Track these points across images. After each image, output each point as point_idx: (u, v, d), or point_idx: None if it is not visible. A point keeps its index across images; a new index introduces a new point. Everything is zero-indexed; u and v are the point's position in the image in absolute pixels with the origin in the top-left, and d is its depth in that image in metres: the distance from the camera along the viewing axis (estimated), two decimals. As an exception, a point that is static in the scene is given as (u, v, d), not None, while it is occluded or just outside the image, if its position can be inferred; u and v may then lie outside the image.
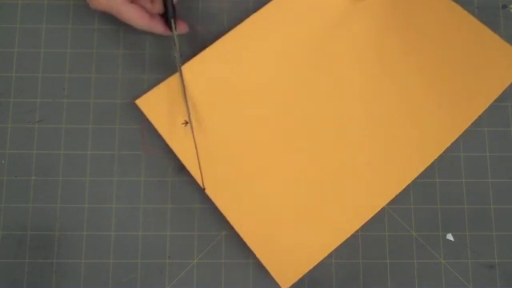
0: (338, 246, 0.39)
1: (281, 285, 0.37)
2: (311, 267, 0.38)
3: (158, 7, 0.40)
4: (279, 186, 0.39)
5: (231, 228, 0.40)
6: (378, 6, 0.42)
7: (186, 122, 0.39)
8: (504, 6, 0.44)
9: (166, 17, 0.40)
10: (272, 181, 0.39)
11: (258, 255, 0.38)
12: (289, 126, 0.40)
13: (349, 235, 0.38)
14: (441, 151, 0.40)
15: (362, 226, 0.40)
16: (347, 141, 0.40)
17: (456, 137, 0.40)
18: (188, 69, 0.40)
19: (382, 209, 0.40)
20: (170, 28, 0.40)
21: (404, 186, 0.39)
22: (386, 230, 0.40)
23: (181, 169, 0.41)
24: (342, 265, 0.40)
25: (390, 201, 0.39)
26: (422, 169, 0.39)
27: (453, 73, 0.41)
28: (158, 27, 0.40)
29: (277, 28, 0.41)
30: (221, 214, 0.40)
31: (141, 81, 0.42)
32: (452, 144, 0.41)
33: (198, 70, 0.40)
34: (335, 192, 0.39)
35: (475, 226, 0.40)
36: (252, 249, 0.38)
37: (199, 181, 0.39)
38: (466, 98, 0.40)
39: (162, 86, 0.40)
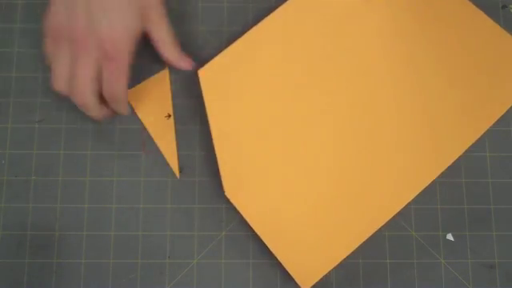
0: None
1: (301, 286, 0.37)
2: (333, 266, 0.37)
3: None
4: (299, 185, 0.38)
5: (231, 228, 0.40)
6: (396, 5, 0.41)
7: (169, 115, 0.41)
8: (504, 6, 0.44)
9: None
10: (292, 179, 0.38)
11: (277, 255, 0.37)
12: (309, 125, 0.39)
13: (371, 233, 0.38)
14: (464, 149, 0.39)
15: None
16: (369, 140, 0.39)
17: (478, 136, 0.39)
18: (204, 73, 0.39)
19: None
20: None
21: (426, 185, 0.38)
22: (386, 230, 0.40)
23: (181, 169, 0.41)
24: (342, 265, 0.40)
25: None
26: (444, 167, 0.39)
27: (471, 75, 0.40)
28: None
29: (293, 29, 0.40)
30: (221, 214, 0.40)
31: (141, 80, 0.42)
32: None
33: (214, 74, 0.39)
34: (356, 190, 0.38)
35: (475, 226, 0.40)
36: (271, 249, 0.37)
37: (176, 170, 0.40)
38: (485, 100, 0.40)
39: (151, 79, 0.41)
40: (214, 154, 0.41)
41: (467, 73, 0.40)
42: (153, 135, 0.41)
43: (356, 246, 0.37)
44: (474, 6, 0.41)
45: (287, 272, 0.38)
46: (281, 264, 0.38)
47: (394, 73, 0.40)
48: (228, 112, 0.39)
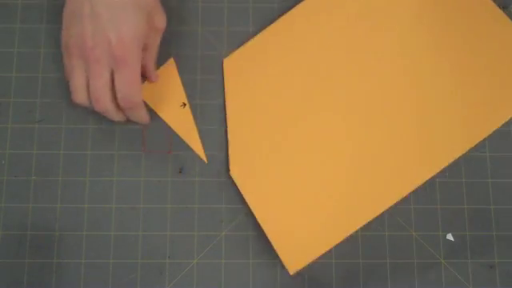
0: (339, 246, 0.39)
1: (288, 269, 0.38)
2: (320, 254, 0.38)
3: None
4: (300, 172, 0.40)
5: (231, 228, 0.40)
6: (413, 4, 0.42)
7: (184, 104, 0.41)
8: (504, 7, 0.44)
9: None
10: (294, 166, 0.40)
11: (269, 237, 0.38)
12: (318, 117, 0.41)
13: (360, 226, 0.39)
14: (465, 150, 0.40)
15: (362, 226, 0.40)
16: (372, 133, 0.40)
17: (484, 136, 0.40)
18: (228, 63, 0.42)
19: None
20: None
21: (424, 180, 0.39)
22: (386, 229, 0.40)
23: (181, 169, 0.41)
24: (341, 265, 0.40)
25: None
26: (442, 166, 0.39)
27: (483, 75, 0.41)
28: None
29: (312, 24, 0.42)
30: (221, 214, 0.40)
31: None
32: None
33: (237, 63, 0.42)
34: (351, 182, 0.39)
35: (475, 226, 0.40)
36: (265, 230, 0.38)
37: (202, 156, 0.41)
38: (494, 101, 0.40)
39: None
40: (214, 154, 0.41)
41: (481, 73, 0.41)
42: (172, 126, 0.41)
43: (345, 237, 0.38)
44: (498, 8, 0.42)
45: (287, 272, 0.38)
46: (281, 264, 0.38)
47: (409, 71, 0.41)
48: (244, 98, 0.41)
